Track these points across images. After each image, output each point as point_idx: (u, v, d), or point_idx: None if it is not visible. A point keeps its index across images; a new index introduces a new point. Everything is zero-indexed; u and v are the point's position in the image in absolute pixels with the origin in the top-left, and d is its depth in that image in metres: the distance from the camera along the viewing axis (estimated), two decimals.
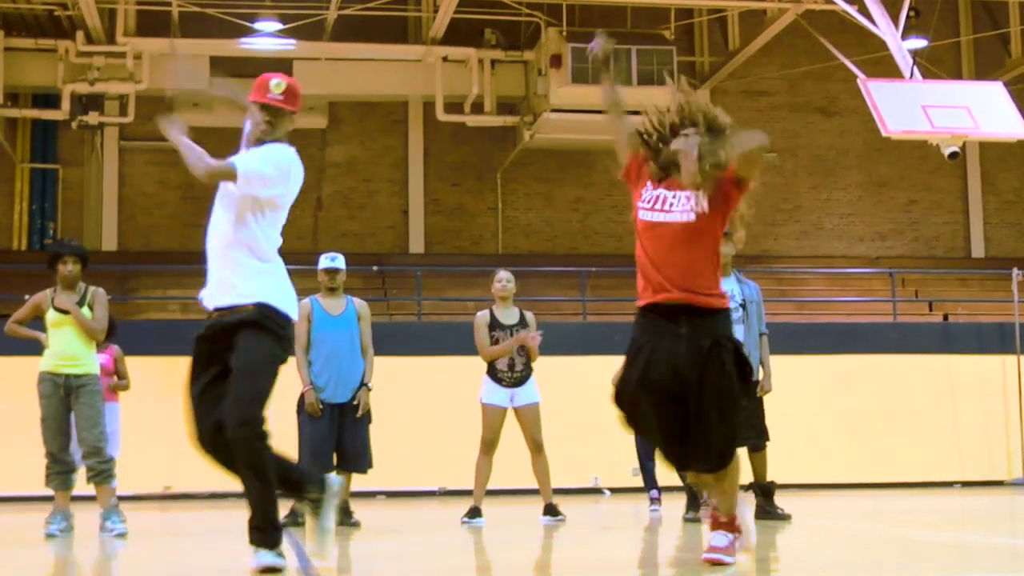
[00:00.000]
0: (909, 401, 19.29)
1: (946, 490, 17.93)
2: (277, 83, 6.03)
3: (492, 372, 10.40)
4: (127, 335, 18.40)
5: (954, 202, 26.50)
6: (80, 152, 23.94)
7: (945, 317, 22.21)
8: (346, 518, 10.02)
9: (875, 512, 12.01)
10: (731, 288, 9.75)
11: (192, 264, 21.86)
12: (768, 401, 10.04)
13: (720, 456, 5.73)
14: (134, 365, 17.77)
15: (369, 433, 10.07)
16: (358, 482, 16.82)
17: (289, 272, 10.25)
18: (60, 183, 23.98)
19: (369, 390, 10.09)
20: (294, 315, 5.83)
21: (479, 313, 10.61)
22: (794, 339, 19.12)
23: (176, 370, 18.18)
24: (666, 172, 5.97)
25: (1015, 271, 20.56)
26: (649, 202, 5.94)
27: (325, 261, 10.20)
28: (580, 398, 16.33)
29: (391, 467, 17.59)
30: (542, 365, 17.62)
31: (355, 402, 10.09)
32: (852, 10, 18.48)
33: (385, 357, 17.86)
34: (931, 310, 22.96)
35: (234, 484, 17.98)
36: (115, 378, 11.83)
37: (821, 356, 19.24)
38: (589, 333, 19.12)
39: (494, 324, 10.45)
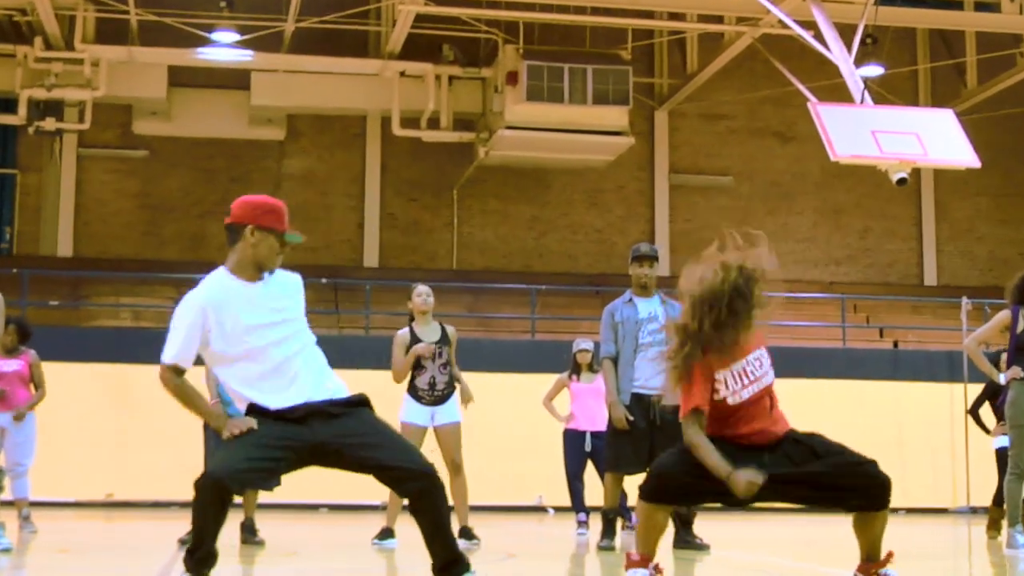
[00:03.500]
0: (855, 427, 18.85)
1: (891, 517, 17.52)
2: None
3: (412, 390, 9.92)
4: (77, 341, 18.15)
5: (908, 229, 26.24)
6: (39, 158, 23.52)
7: (895, 344, 21.93)
8: (250, 536, 9.58)
9: (800, 543, 11.65)
10: (654, 309, 9.37)
11: (145, 272, 21.74)
12: None
13: None
14: (83, 372, 17.49)
15: None
16: (301, 495, 16.49)
17: None
18: (17, 188, 23.54)
19: None
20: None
21: (399, 332, 10.11)
22: None
23: (125, 378, 18.02)
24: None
25: (964, 300, 20.29)
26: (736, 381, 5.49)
27: None
28: (527, 415, 15.98)
29: (334, 480, 17.16)
30: (489, 382, 17.39)
31: None
32: (807, 35, 18.19)
33: (333, 370, 17.58)
34: (882, 336, 22.68)
35: (172, 494, 17.46)
36: (31, 386, 11.30)
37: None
38: (537, 350, 18.78)
39: (415, 342, 9.94)
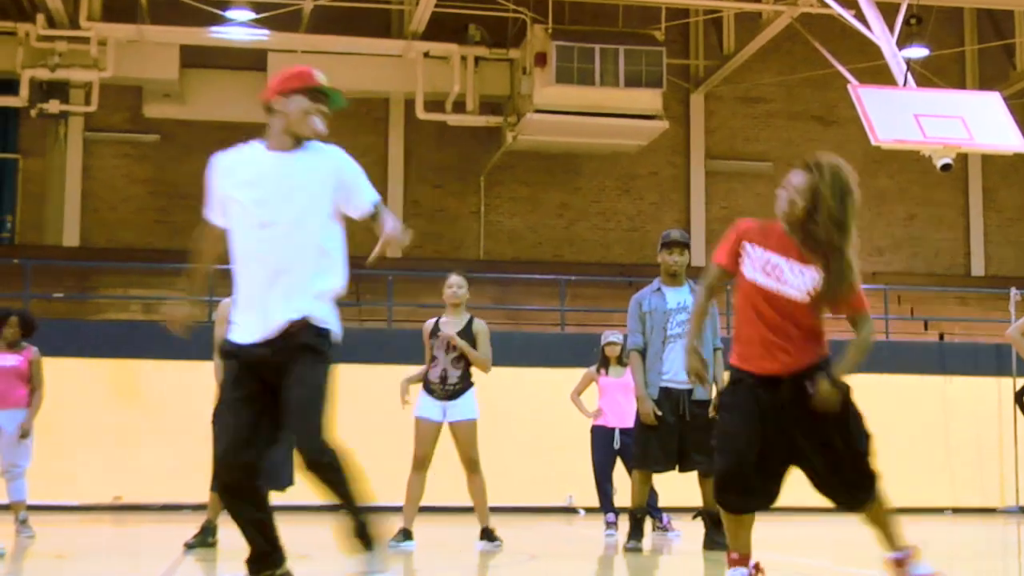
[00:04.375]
0: (900, 423, 18.83)
1: (936, 517, 17.51)
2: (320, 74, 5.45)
3: (425, 384, 9.90)
4: (84, 335, 18.11)
5: (955, 218, 26.09)
6: (43, 142, 23.45)
7: (941, 336, 21.81)
8: None
9: (833, 542, 11.58)
10: (684, 299, 9.33)
11: (157, 263, 21.76)
12: None
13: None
14: (87, 367, 17.44)
15: (290, 448, 9.43)
16: (320, 495, 16.49)
17: None
18: (20, 174, 23.45)
19: None
20: None
21: (428, 321, 10.14)
22: None
23: (133, 373, 18.03)
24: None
25: (1013, 291, 20.17)
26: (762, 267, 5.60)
27: None
28: (556, 411, 15.92)
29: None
30: (516, 376, 17.35)
31: None
32: (848, 15, 18.13)
33: (354, 365, 17.52)
34: (927, 329, 22.53)
35: (184, 496, 17.39)
36: (29, 385, 11.17)
37: None
38: (567, 343, 18.71)
39: (435, 333, 9.94)
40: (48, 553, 9.73)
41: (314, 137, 5.38)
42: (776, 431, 5.45)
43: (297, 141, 5.34)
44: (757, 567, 5.58)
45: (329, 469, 5.16)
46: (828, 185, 5.41)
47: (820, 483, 5.60)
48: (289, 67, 5.60)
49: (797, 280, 5.48)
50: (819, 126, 25.66)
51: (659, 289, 9.41)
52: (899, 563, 5.60)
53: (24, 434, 10.96)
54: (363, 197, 5.49)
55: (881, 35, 17.09)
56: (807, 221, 5.44)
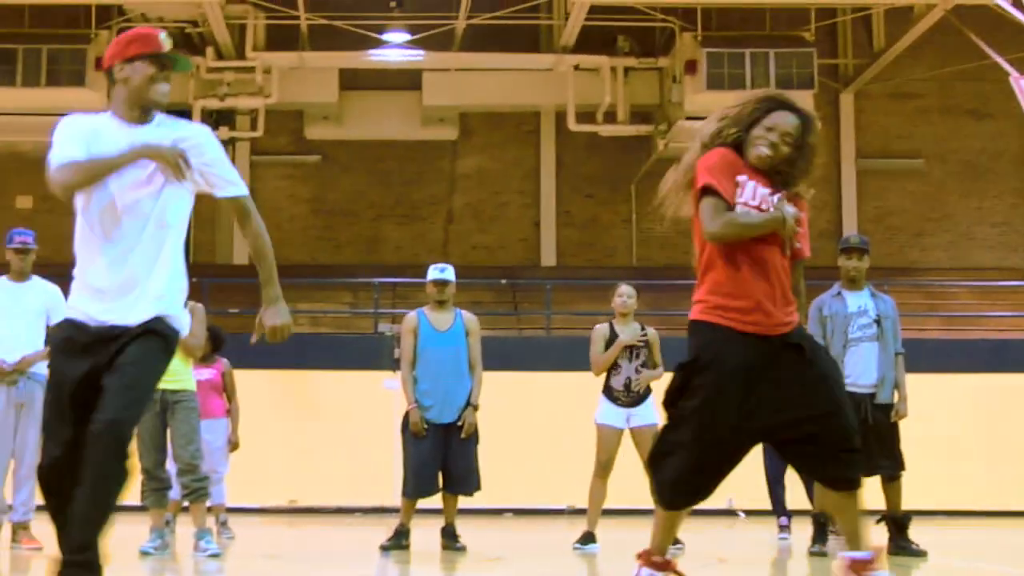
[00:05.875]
0: None
1: None
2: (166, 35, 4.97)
3: (607, 391, 10.08)
4: (258, 349, 18.46)
5: None
6: None
7: None
8: (451, 542, 9.76)
9: (1018, 549, 11.39)
10: (864, 303, 9.33)
11: (322, 278, 22.20)
12: (911, 424, 9.56)
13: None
14: (261, 378, 17.88)
15: (476, 454, 9.81)
16: (485, 499, 16.63)
17: (419, 286, 10.08)
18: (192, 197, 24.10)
19: (475, 410, 9.79)
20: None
21: (598, 326, 10.32)
22: (941, 356, 18.41)
23: (303, 383, 18.46)
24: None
25: None
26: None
27: (434, 272, 9.97)
28: None
29: (519, 484, 17.40)
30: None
31: (459, 423, 9.73)
32: (1005, 3, 17.79)
33: (514, 372, 17.74)
34: None
35: (355, 499, 17.79)
36: (224, 395, 11.60)
37: (970, 375, 18.47)
38: None
39: (614, 338, 10.12)
40: (256, 554, 10.14)
41: (160, 106, 4.99)
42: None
43: (144, 112, 4.96)
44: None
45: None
46: (815, 131, 5.33)
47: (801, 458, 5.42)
48: (132, 31, 5.13)
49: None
50: (972, 120, 25.17)
51: (839, 293, 9.41)
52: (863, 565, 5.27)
53: (234, 446, 11.39)
54: (225, 179, 5.21)
55: None
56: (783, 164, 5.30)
